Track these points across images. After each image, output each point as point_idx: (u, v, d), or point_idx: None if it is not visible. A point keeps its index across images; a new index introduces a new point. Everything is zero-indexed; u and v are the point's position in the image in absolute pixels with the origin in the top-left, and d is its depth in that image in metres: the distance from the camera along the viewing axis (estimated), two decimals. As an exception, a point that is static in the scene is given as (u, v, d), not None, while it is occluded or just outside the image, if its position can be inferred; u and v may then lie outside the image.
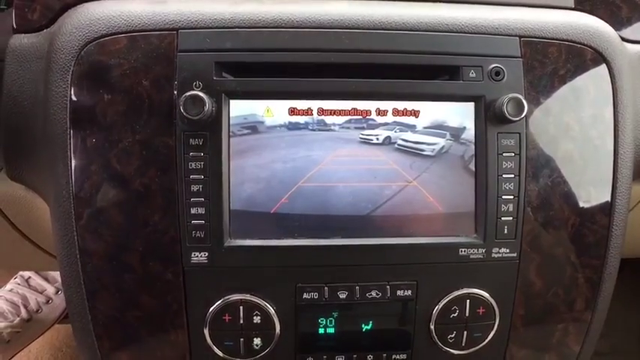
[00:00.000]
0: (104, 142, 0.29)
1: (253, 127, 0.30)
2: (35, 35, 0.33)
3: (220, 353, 0.31)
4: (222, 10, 0.31)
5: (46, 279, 0.82)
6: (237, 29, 0.30)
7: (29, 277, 0.82)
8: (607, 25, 0.35)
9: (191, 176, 0.29)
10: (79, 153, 0.29)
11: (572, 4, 0.37)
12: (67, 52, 0.30)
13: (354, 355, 0.32)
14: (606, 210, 0.33)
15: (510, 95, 0.30)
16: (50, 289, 0.80)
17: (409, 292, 0.31)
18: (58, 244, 0.30)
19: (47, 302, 0.80)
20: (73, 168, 0.29)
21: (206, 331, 0.30)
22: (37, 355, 1.03)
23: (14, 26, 0.33)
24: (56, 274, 0.85)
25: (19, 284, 0.80)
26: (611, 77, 0.33)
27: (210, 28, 0.30)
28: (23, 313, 0.76)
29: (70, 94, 0.29)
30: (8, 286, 0.80)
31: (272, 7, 0.31)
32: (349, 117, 0.31)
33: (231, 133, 0.30)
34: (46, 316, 0.80)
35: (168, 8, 0.31)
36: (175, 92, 0.29)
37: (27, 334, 0.80)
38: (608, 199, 0.33)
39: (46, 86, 0.30)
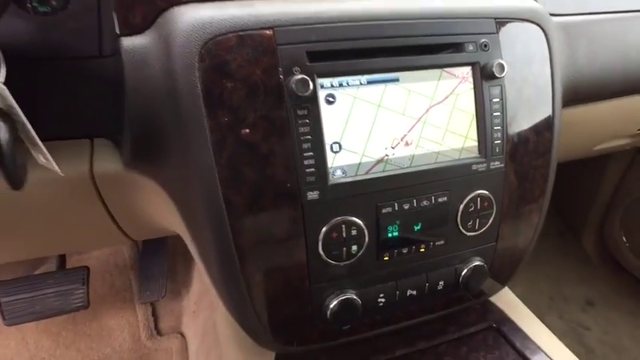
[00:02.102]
0: (234, 120, 0.39)
1: (334, 96, 0.42)
2: (142, 36, 0.39)
3: (329, 260, 0.43)
4: (304, 9, 0.40)
5: None
6: (317, 25, 0.40)
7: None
8: (541, 5, 0.52)
9: (301, 137, 0.40)
10: (215, 131, 0.38)
11: (517, -10, 0.53)
12: (189, 51, 0.37)
13: (413, 247, 0.47)
14: (550, 128, 0.51)
15: (498, 60, 0.45)
16: None
17: (445, 198, 0.46)
18: (205, 201, 0.39)
19: None
20: (211, 142, 0.38)
21: (319, 246, 0.43)
22: (36, 344, 1.03)
23: (118, 31, 0.39)
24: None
25: None
26: (547, 42, 0.50)
27: (298, 25, 0.40)
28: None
29: (200, 86, 0.38)
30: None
31: (339, 5, 0.42)
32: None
33: (324, 103, 0.41)
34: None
35: (263, 10, 0.40)
36: (281, 77, 0.39)
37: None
38: (551, 121, 0.51)
39: (174, 80, 0.38)
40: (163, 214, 0.50)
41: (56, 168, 0.37)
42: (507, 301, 0.60)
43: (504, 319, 0.57)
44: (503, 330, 0.55)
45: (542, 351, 0.53)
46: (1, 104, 0.34)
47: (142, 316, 1.10)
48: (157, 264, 1.10)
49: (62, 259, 1.03)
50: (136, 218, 0.53)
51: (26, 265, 1.07)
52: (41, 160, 0.37)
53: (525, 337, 0.54)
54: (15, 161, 0.34)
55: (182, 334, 1.09)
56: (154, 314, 1.12)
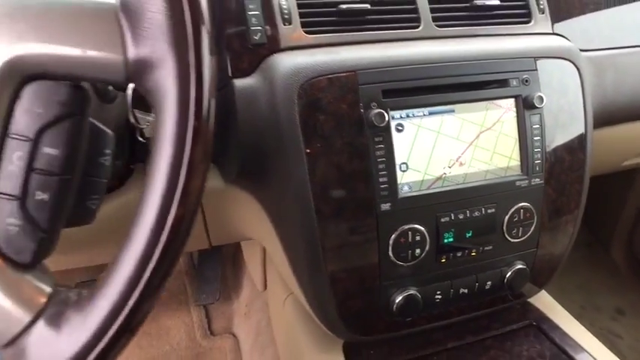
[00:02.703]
0: (325, 145, 0.48)
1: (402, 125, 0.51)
2: (249, 78, 0.49)
3: (397, 261, 0.52)
4: (379, 55, 0.50)
5: None
6: (389, 68, 0.50)
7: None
8: (572, 44, 0.60)
9: (377, 159, 0.49)
10: (310, 154, 0.48)
11: (551, 31, 0.62)
12: (290, 91, 0.47)
13: (465, 251, 0.55)
14: (583, 148, 0.59)
15: (538, 93, 0.54)
16: None
17: (493, 209, 0.55)
18: (300, 211, 0.49)
19: None
20: (307, 163, 0.48)
21: (390, 249, 0.51)
22: None
23: (230, 73, 0.49)
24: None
25: None
26: (579, 75, 0.58)
27: (375, 68, 0.49)
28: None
29: (299, 118, 0.47)
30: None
31: (406, 50, 0.51)
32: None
33: (394, 131, 0.50)
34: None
35: (346, 56, 0.49)
36: (362, 110, 0.49)
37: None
38: (584, 142, 0.59)
39: (277, 114, 0.48)
40: (251, 222, 0.60)
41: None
42: (545, 302, 0.67)
43: (543, 318, 0.64)
44: (543, 327, 0.62)
45: (581, 346, 0.60)
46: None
47: (197, 317, 1.20)
48: (212, 269, 1.20)
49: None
50: (224, 225, 0.63)
51: (93, 269, 1.18)
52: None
53: (564, 334, 0.61)
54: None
55: (234, 335, 1.19)
56: (207, 316, 1.21)
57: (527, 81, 0.55)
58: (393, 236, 0.51)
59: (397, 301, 0.54)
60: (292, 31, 0.51)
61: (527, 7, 0.60)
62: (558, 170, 0.58)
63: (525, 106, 0.55)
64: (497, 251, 0.57)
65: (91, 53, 0.23)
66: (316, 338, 0.62)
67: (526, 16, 0.60)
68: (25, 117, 0.24)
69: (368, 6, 0.53)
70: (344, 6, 0.52)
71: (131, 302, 0.23)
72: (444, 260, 0.55)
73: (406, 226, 0.51)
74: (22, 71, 0.23)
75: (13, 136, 0.23)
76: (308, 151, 0.48)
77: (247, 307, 1.16)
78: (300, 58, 0.49)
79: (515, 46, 0.56)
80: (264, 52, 0.50)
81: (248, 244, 1.02)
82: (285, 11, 0.51)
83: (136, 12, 0.23)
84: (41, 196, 0.24)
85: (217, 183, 0.55)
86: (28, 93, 0.24)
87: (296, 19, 0.51)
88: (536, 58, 0.56)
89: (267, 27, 0.50)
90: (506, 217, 0.56)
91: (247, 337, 1.10)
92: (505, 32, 0.59)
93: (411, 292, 0.54)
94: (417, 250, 0.53)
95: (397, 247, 0.52)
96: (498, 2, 0.58)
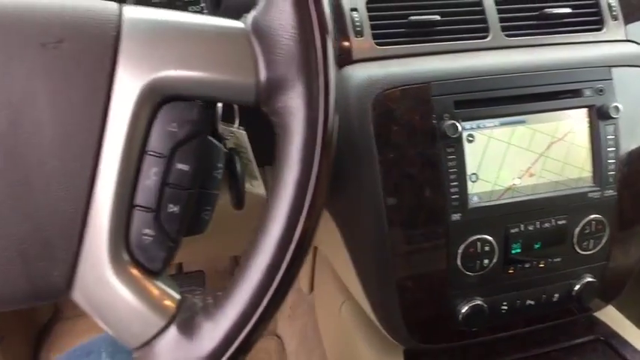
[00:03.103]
0: (398, 156, 0.49)
1: (473, 136, 0.51)
2: None
3: (465, 271, 0.52)
4: (451, 66, 0.50)
5: None
6: (462, 79, 0.50)
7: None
8: (645, 49, 0.58)
9: (448, 170, 0.50)
10: (384, 164, 0.49)
11: (625, 37, 0.60)
12: (364, 102, 0.48)
13: (534, 262, 0.55)
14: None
15: (614, 103, 0.52)
16: None
17: (564, 221, 0.54)
18: (372, 220, 0.50)
19: None
20: (380, 173, 0.49)
21: (459, 258, 0.52)
22: None
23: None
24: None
25: None
26: None
27: (448, 79, 0.50)
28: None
29: (373, 129, 0.48)
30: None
31: (477, 60, 0.52)
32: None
33: (465, 141, 0.50)
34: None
35: (419, 68, 0.50)
36: (434, 121, 0.49)
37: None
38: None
39: (351, 125, 0.49)
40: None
41: (264, 192, 0.49)
42: (612, 316, 0.65)
43: (612, 333, 0.62)
44: (612, 343, 0.61)
45: None
46: (235, 144, 0.47)
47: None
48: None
49: (179, 264, 1.19)
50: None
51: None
52: (250, 187, 0.50)
53: (635, 351, 0.59)
54: (244, 188, 0.46)
55: (277, 336, 1.21)
56: (252, 317, 1.24)
57: (601, 90, 0.54)
58: (462, 246, 0.51)
59: (463, 310, 0.54)
60: (364, 43, 0.52)
61: (599, 14, 0.59)
62: (632, 181, 0.56)
63: (599, 116, 0.54)
64: (567, 263, 0.56)
65: (225, 76, 0.25)
66: (376, 345, 0.63)
67: (598, 24, 0.59)
68: (161, 135, 0.26)
69: (438, 17, 0.54)
70: (414, 17, 0.53)
71: (259, 310, 0.25)
72: (511, 271, 0.54)
73: (475, 237, 0.51)
74: (161, 93, 0.25)
75: (151, 153, 0.26)
76: (381, 160, 0.49)
77: (291, 310, 1.18)
78: (373, 70, 0.50)
79: (588, 54, 0.55)
80: (337, 63, 0.52)
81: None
82: (357, 23, 0.52)
83: (268, 37, 0.25)
84: (173, 208, 0.26)
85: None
86: (164, 113, 0.26)
87: (367, 31, 0.52)
88: (610, 67, 0.55)
89: (340, 39, 0.52)
90: (577, 229, 0.55)
91: (292, 339, 1.12)
92: (576, 40, 0.58)
93: (478, 302, 0.54)
94: (486, 261, 0.53)
95: (466, 256, 0.52)
96: (570, 10, 0.57)
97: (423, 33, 0.54)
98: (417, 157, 0.49)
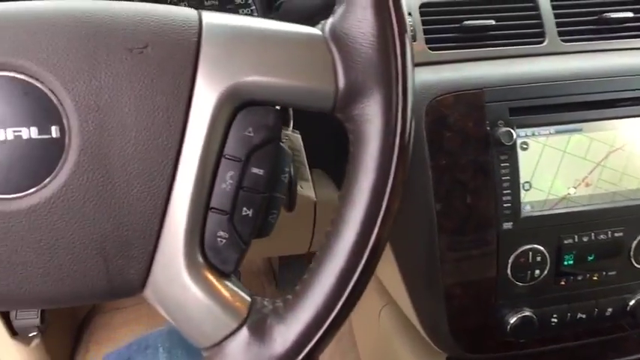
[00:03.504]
0: (450, 162, 0.48)
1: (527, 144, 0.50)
2: None
3: (514, 281, 0.51)
4: (506, 72, 0.50)
5: None
6: (517, 85, 0.49)
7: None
8: None
9: (501, 177, 0.49)
10: (436, 171, 0.48)
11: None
12: (418, 108, 0.48)
13: (587, 275, 0.53)
14: None
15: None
16: None
17: (620, 233, 0.52)
18: (422, 226, 0.49)
19: None
20: (432, 180, 0.48)
21: (509, 268, 0.51)
22: None
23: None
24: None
25: None
26: None
27: (502, 86, 0.49)
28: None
29: (425, 136, 0.48)
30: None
31: (533, 66, 0.50)
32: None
33: (519, 149, 0.49)
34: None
35: (473, 74, 0.49)
36: (488, 128, 0.48)
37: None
38: None
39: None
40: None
41: (313, 195, 0.50)
42: (666, 334, 0.62)
43: (666, 351, 0.60)
44: (666, 361, 0.58)
45: None
46: (290, 147, 0.47)
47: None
48: (293, 271, 1.24)
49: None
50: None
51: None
52: (300, 189, 0.50)
53: (690, 371, 0.57)
54: (296, 191, 0.47)
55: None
56: (285, 317, 1.25)
57: (664, 97, 0.52)
58: (513, 256, 0.50)
59: (512, 321, 0.52)
60: (417, 48, 0.52)
61: (662, 19, 0.57)
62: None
63: (663, 123, 0.52)
64: (622, 277, 0.54)
65: (305, 83, 0.26)
66: (416, 351, 0.63)
67: (661, 29, 0.57)
68: (237, 140, 0.26)
69: (492, 22, 0.53)
70: (468, 22, 0.53)
71: (332, 315, 0.25)
72: (563, 283, 0.53)
73: (527, 246, 0.50)
74: (239, 98, 0.26)
75: (228, 157, 0.26)
76: (433, 166, 0.48)
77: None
78: (427, 75, 0.50)
79: (650, 60, 0.53)
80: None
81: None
82: (410, 28, 0.52)
83: (347, 45, 0.25)
84: (246, 212, 0.27)
85: (333, 193, 0.57)
86: (241, 118, 0.26)
87: (420, 36, 0.52)
88: (673, 73, 0.53)
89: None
90: (635, 242, 0.53)
91: (326, 340, 1.12)
92: (637, 46, 0.56)
93: (527, 313, 0.52)
94: (537, 271, 0.51)
95: (516, 266, 0.51)
96: (631, 14, 0.55)
97: (476, 38, 0.53)
98: (469, 163, 0.49)
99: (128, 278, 0.27)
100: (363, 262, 0.25)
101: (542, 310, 0.53)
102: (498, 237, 0.50)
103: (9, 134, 0.25)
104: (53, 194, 0.25)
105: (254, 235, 0.29)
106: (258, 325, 0.26)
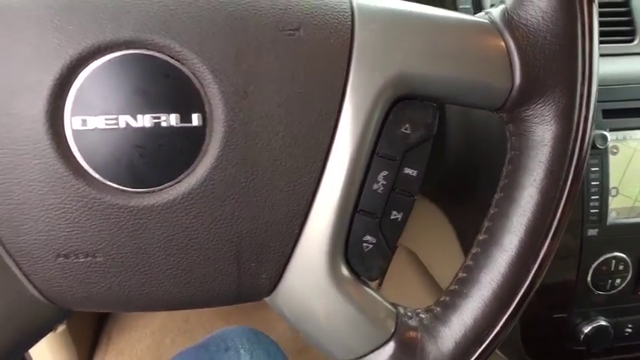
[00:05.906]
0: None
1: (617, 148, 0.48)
2: None
3: (595, 289, 0.49)
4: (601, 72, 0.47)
5: None
6: (611, 86, 0.47)
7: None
8: None
9: (590, 182, 0.47)
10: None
11: None
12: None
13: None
14: None
15: None
16: None
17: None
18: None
19: None
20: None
21: (589, 275, 0.49)
22: (211, 323, 1.18)
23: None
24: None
25: None
26: None
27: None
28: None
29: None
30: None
31: (626, 65, 0.48)
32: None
33: (610, 153, 0.47)
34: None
35: None
36: (579, 130, 0.46)
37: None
38: None
39: (489, 131, 0.46)
40: (419, 231, 0.59)
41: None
42: None
43: None
44: None
45: None
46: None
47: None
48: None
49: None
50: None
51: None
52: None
53: None
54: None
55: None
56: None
57: None
58: (595, 263, 0.49)
59: (586, 330, 0.51)
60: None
61: None
62: None
63: None
64: (701, 289, 0.52)
65: (478, 78, 0.23)
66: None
67: None
68: (392, 137, 0.24)
69: (581, 19, 0.50)
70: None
71: (493, 333, 0.23)
72: (641, 293, 0.51)
73: (610, 254, 0.49)
74: (400, 90, 0.23)
75: (382, 155, 0.24)
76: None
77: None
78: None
79: None
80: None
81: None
82: None
83: (528, 36, 0.23)
84: (396, 215, 0.25)
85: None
86: (396, 113, 0.24)
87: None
88: None
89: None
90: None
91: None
92: None
93: (602, 322, 0.51)
94: (618, 280, 0.50)
95: (597, 274, 0.49)
96: None
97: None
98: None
99: (258, 282, 0.25)
100: (529, 278, 0.23)
101: (618, 320, 0.52)
102: (582, 243, 0.48)
103: (147, 121, 0.22)
104: (192, 190, 0.23)
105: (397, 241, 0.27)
106: (407, 340, 0.24)
